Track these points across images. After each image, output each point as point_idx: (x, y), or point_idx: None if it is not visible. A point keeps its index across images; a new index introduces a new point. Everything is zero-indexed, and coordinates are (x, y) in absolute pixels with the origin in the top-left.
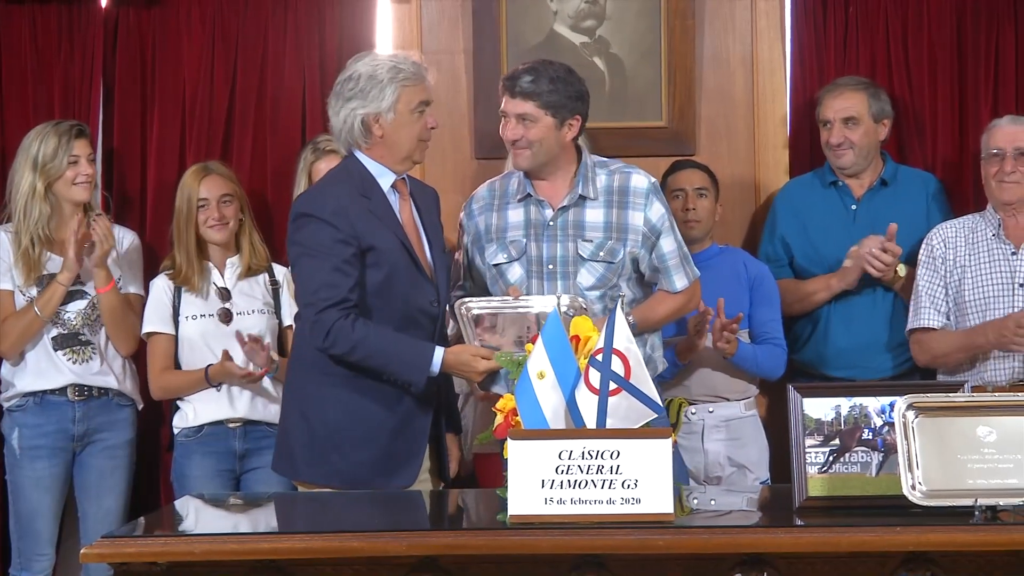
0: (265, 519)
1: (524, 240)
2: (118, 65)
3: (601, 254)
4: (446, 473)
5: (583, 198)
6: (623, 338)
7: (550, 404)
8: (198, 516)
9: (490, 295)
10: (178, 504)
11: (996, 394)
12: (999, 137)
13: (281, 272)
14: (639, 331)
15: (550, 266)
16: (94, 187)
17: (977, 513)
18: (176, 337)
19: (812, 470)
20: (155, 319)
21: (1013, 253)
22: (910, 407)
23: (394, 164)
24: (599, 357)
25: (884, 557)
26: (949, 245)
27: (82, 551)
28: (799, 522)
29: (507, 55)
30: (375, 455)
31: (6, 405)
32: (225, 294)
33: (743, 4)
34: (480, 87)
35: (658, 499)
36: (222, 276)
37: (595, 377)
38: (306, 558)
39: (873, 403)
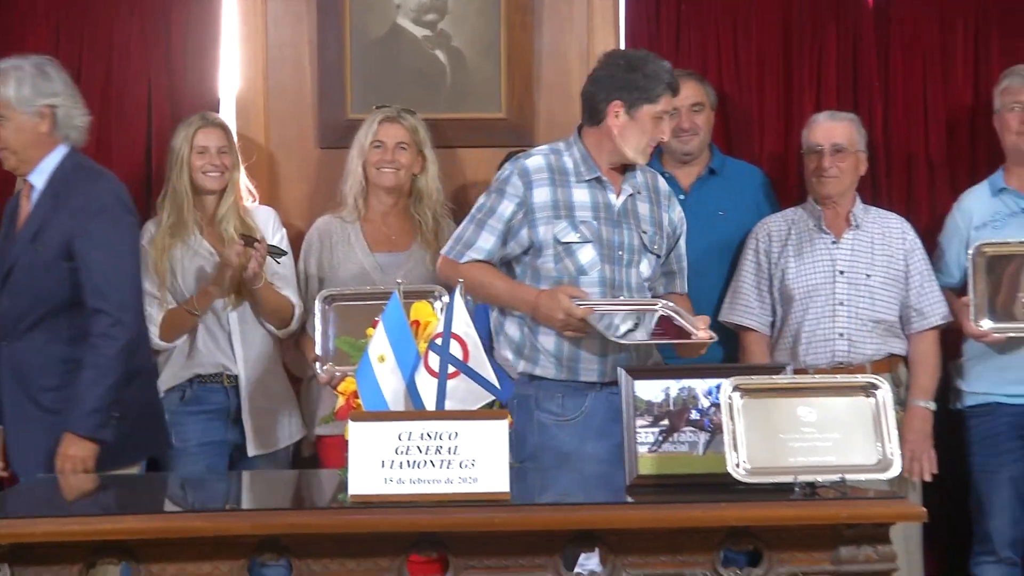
0: (111, 500)
1: (595, 223)
2: None
3: (654, 247)
4: None
5: (635, 190)
6: (462, 323)
7: (390, 387)
8: (43, 497)
9: (511, 268)
10: (20, 485)
11: (816, 376)
12: (818, 133)
13: None
14: None
15: (619, 252)
16: None
17: (797, 489)
18: None
19: (642, 449)
20: None
21: (833, 243)
22: (735, 389)
23: None
24: (438, 341)
25: (709, 532)
26: (774, 238)
27: None
28: (629, 499)
29: (351, 48)
30: None
31: None
32: None
33: (580, 1)
34: (324, 79)
35: (495, 478)
36: None
37: (434, 361)
38: (150, 538)
39: (701, 385)
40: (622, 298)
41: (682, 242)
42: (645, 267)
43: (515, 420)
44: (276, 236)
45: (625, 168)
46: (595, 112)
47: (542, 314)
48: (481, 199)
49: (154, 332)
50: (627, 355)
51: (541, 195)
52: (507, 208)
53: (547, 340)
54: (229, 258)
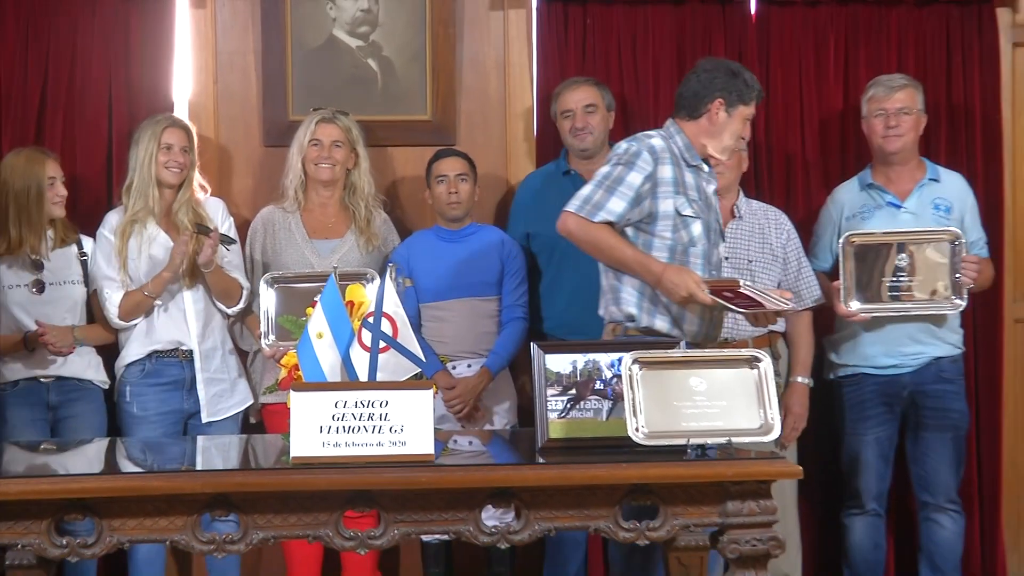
0: (75, 462)
1: (700, 203)
2: None
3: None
4: None
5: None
6: (391, 303)
7: (328, 360)
8: (12, 459)
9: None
10: None
11: (706, 350)
12: None
13: (89, 244)
14: None
15: (711, 232)
16: None
17: (689, 451)
18: None
19: (552, 416)
20: None
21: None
22: (635, 361)
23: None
24: (371, 319)
25: (613, 488)
26: None
27: None
28: (541, 460)
29: (292, 56)
30: None
31: None
32: (39, 265)
33: (496, 15)
34: (268, 83)
35: (421, 442)
36: (41, 247)
37: (367, 337)
38: (111, 496)
39: (604, 358)
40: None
41: None
42: (722, 248)
43: None
44: (225, 224)
45: None
46: (696, 107)
47: (665, 286)
48: (605, 169)
49: (113, 312)
50: (709, 319)
51: (665, 172)
52: (636, 179)
53: (663, 295)
54: (182, 245)
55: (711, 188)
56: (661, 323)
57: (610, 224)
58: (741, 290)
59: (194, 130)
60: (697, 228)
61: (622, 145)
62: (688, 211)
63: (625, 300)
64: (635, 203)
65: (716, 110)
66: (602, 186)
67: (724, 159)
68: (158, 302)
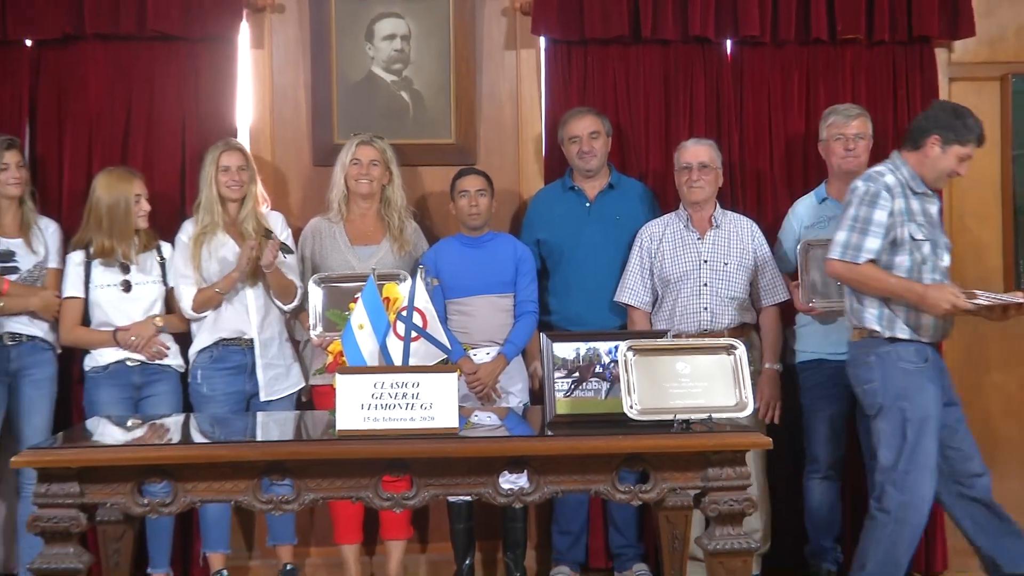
0: (155, 434)
1: (927, 226)
2: (40, 93)
3: None
4: None
5: None
6: (422, 299)
7: (368, 348)
8: (103, 432)
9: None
10: (88, 423)
11: (689, 340)
12: (687, 154)
13: (167, 249)
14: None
15: (939, 248)
16: (24, 186)
17: (676, 425)
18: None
19: (559, 395)
20: (71, 286)
21: (699, 239)
22: (630, 348)
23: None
24: (404, 313)
25: (610, 457)
26: (655, 238)
27: (12, 459)
28: (550, 433)
29: (336, 89)
30: None
31: None
32: (126, 267)
33: (510, 54)
34: (316, 112)
35: (447, 417)
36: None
37: (401, 328)
38: (185, 463)
39: (603, 346)
40: (982, 294)
41: None
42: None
43: (879, 368)
44: (284, 235)
45: None
46: (917, 140)
47: (929, 303)
48: (852, 211)
49: (187, 305)
50: (943, 321)
51: (899, 204)
52: (882, 216)
53: (899, 311)
54: (247, 251)
55: (934, 208)
56: (901, 332)
57: (872, 261)
58: (979, 296)
59: (249, 150)
60: (927, 248)
61: (860, 186)
62: (919, 235)
63: (867, 319)
64: (885, 237)
65: (932, 144)
66: (855, 229)
67: (935, 187)
68: (226, 298)
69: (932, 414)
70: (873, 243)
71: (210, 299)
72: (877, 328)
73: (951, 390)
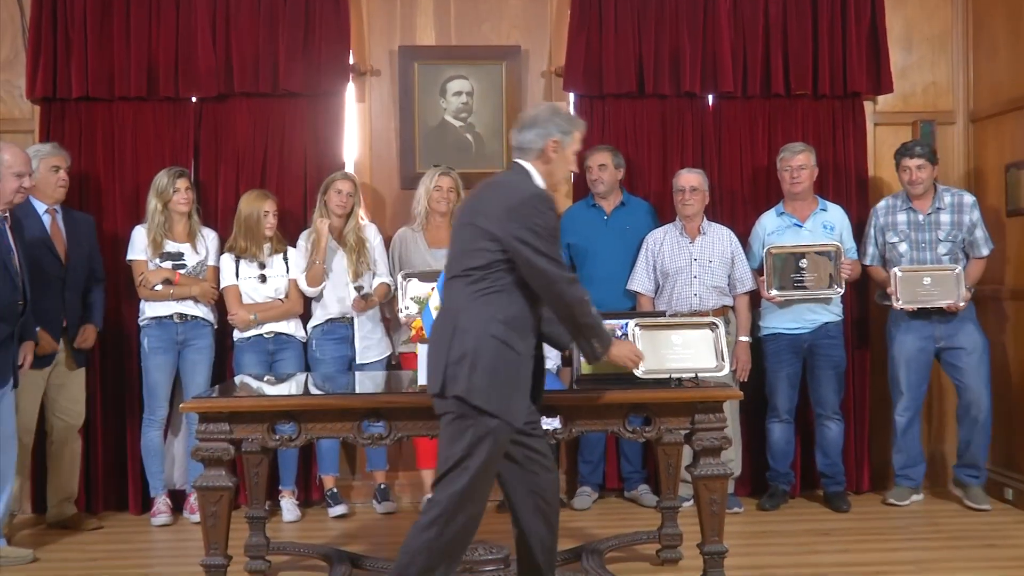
0: (284, 387)
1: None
2: (202, 136)
3: None
4: None
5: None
6: None
7: None
8: (246, 386)
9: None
10: (236, 380)
11: (681, 318)
12: (681, 180)
13: (292, 251)
14: None
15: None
16: (191, 204)
17: (671, 382)
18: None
19: (583, 359)
20: (226, 278)
21: (690, 243)
22: (637, 324)
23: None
24: None
25: (621, 406)
26: (657, 242)
27: (180, 405)
28: (576, 388)
29: (418, 132)
30: None
31: (141, 324)
32: (262, 265)
33: (546, 106)
34: (403, 149)
35: None
36: (262, 254)
37: None
38: (304, 409)
39: (616, 323)
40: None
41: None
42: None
43: None
44: (376, 239)
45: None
46: None
47: None
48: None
49: (304, 284)
50: None
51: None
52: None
53: None
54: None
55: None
56: None
57: None
58: None
59: (357, 180)
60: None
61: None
62: (893, 239)
63: None
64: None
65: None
66: None
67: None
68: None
69: None
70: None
71: (315, 272)
72: None
73: None
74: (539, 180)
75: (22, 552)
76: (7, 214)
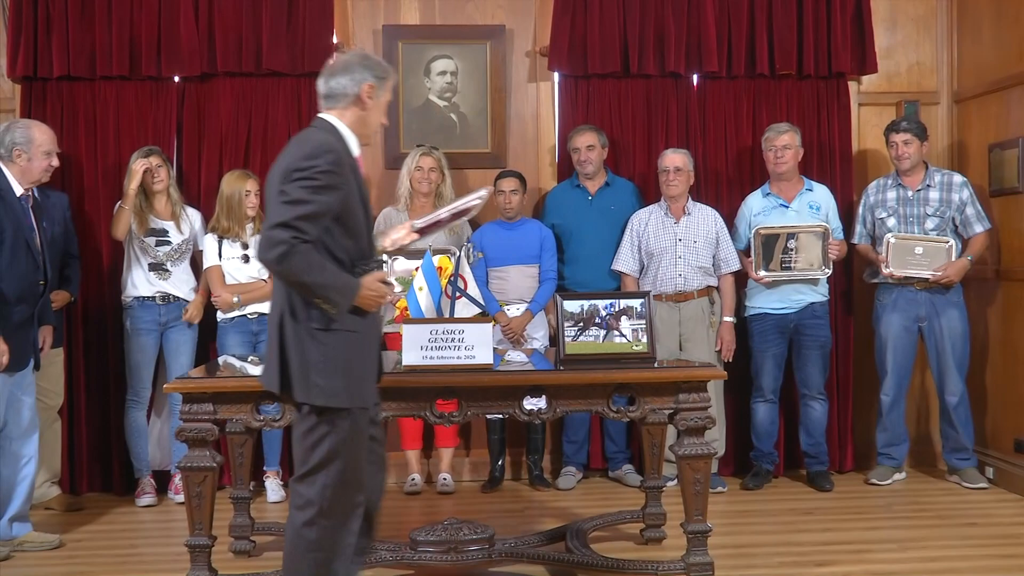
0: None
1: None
2: (185, 116)
3: None
4: None
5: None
6: (465, 268)
7: (425, 304)
8: (230, 367)
9: None
10: (219, 360)
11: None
12: (666, 160)
13: None
14: None
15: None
16: (167, 181)
17: (656, 362)
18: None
19: (568, 339)
20: (209, 258)
21: (675, 223)
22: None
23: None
24: (452, 279)
25: (606, 386)
26: (642, 222)
27: (164, 386)
28: (561, 367)
29: (402, 112)
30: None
31: (124, 303)
32: (245, 245)
33: (532, 85)
34: (387, 129)
35: (484, 356)
36: (245, 234)
37: (450, 289)
38: None
39: (601, 303)
40: None
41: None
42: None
43: None
44: None
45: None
46: None
47: None
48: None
49: None
50: None
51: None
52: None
53: None
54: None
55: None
56: None
57: None
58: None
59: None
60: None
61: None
62: (881, 214)
63: None
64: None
65: None
66: None
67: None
68: None
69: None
70: None
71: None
72: None
73: None
74: (346, 132)
75: (48, 537)
76: (31, 192)
